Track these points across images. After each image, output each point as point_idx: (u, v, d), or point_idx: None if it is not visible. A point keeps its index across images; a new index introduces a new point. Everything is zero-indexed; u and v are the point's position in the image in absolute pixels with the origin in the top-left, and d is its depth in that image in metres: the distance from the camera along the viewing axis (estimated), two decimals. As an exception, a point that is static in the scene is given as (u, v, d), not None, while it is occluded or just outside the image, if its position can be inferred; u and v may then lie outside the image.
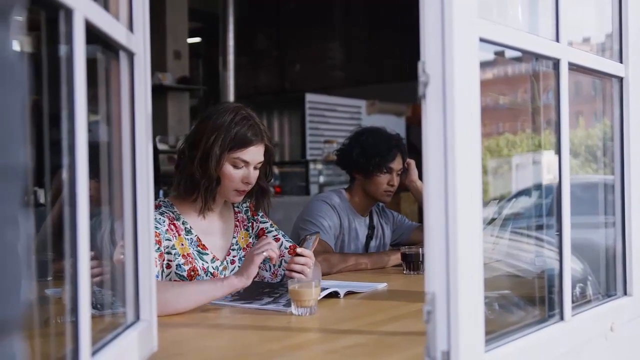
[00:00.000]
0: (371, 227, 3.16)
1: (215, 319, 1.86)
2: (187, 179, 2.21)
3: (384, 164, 2.99)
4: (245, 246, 2.36)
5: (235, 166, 2.19)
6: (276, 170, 7.83)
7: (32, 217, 0.62)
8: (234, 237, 2.35)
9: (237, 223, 2.38)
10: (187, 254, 2.19)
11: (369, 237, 3.14)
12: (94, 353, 1.08)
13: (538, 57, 1.56)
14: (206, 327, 1.80)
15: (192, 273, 2.17)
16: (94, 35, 1.11)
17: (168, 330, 1.67)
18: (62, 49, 1.01)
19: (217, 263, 2.26)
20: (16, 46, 0.58)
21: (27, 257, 0.59)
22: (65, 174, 1.01)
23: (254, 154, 2.21)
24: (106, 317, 1.43)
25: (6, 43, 0.56)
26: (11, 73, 0.56)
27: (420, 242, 2.97)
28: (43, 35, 1.04)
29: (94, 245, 1.08)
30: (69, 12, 0.99)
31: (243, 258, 2.31)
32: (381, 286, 2.35)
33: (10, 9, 0.56)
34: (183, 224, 2.23)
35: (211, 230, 2.30)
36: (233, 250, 2.34)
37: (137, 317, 1.36)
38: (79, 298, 1.00)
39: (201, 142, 2.17)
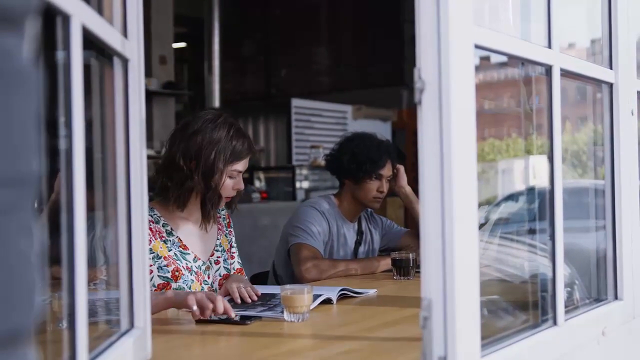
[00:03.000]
0: (360, 233, 3.16)
1: (208, 327, 1.85)
2: (187, 192, 2.26)
3: (375, 170, 2.99)
4: (226, 250, 2.45)
5: (231, 177, 2.29)
6: (262, 175, 7.81)
7: (43, 225, 0.62)
8: (218, 239, 2.43)
9: (220, 226, 2.46)
10: (169, 256, 2.24)
11: (358, 243, 3.14)
12: (90, 361, 1.07)
13: (531, 63, 1.57)
14: (200, 335, 1.79)
15: (177, 273, 2.23)
16: (88, 41, 1.10)
17: (162, 337, 1.66)
18: (59, 55, 1.00)
19: (200, 263, 2.32)
20: (30, 55, 0.58)
21: (39, 266, 0.58)
22: (62, 180, 1.00)
23: (246, 163, 2.34)
24: (99, 324, 1.42)
25: (20, 52, 0.56)
26: (26, 82, 0.56)
27: (409, 247, 2.98)
28: (39, 41, 1.03)
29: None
30: (66, 18, 0.98)
31: (226, 260, 2.42)
32: (372, 292, 2.35)
33: (24, 17, 0.56)
34: (163, 226, 2.28)
35: (194, 232, 2.35)
36: (217, 251, 2.41)
37: (132, 325, 1.35)
38: (77, 306, 1.00)
39: (200, 157, 2.22)
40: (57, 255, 1.03)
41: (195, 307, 1.81)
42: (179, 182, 2.24)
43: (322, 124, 8.47)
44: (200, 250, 2.34)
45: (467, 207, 1.19)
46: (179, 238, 2.29)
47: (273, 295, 2.19)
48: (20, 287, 0.55)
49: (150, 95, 7.44)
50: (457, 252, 1.15)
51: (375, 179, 3.00)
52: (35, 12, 0.59)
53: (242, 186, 2.34)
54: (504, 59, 1.57)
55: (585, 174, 2.08)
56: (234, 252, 2.51)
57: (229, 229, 2.51)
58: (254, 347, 1.65)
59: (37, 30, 0.62)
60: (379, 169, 3.00)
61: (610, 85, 1.84)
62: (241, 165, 2.30)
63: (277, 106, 8.78)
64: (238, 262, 2.51)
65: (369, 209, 3.20)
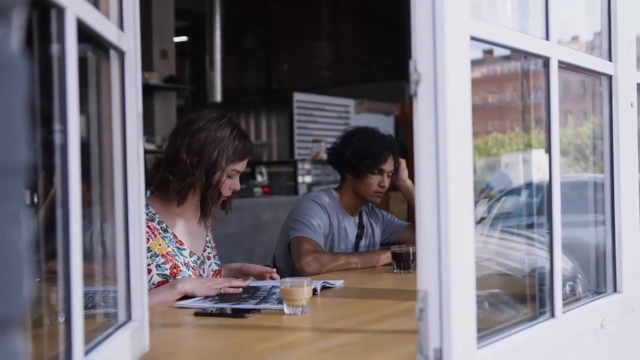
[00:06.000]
0: (361, 227, 3.16)
1: (206, 320, 1.86)
2: (188, 187, 2.28)
3: (376, 165, 2.99)
4: (214, 246, 2.50)
5: (230, 176, 2.33)
6: (264, 170, 7.82)
7: (31, 215, 0.62)
8: (207, 236, 2.47)
9: (208, 225, 2.50)
10: (167, 253, 2.27)
11: (359, 237, 3.14)
12: (86, 353, 1.08)
13: (528, 55, 1.57)
14: (198, 327, 1.80)
15: (175, 270, 2.26)
16: (84, 34, 1.10)
17: (159, 330, 1.66)
18: (54, 48, 1.00)
19: (195, 258, 2.35)
20: (17, 45, 0.58)
21: (27, 254, 0.59)
22: (57, 175, 1.01)
23: (245, 164, 2.38)
24: (97, 316, 1.43)
25: (7, 42, 0.56)
26: (13, 72, 0.56)
27: (410, 241, 2.98)
28: (34, 34, 1.03)
29: (83, 246, 1.07)
30: (60, 11, 0.98)
31: (215, 256, 2.48)
32: (339, 283, 2.38)
33: (12, 8, 0.57)
34: (159, 223, 2.30)
35: (187, 229, 2.38)
36: (208, 247, 2.46)
37: (129, 317, 1.36)
38: (72, 298, 1.00)
39: (203, 154, 2.25)
40: (56, 249, 1.03)
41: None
42: (181, 177, 2.26)
43: (324, 118, 8.47)
44: (194, 245, 2.38)
45: (463, 199, 1.19)
46: (174, 234, 2.32)
47: (257, 288, 2.20)
48: (8, 275, 0.55)
49: (151, 90, 7.45)
50: (453, 243, 1.15)
51: (377, 173, 3.00)
52: (22, 3, 0.59)
53: (238, 187, 2.39)
54: (507, 52, 1.56)
55: (589, 168, 2.08)
56: (209, 253, 2.52)
57: (210, 230, 2.55)
58: (252, 339, 1.65)
59: (24, 21, 0.62)
60: (380, 164, 3.00)
61: (610, 77, 1.83)
62: (241, 166, 2.34)
63: (279, 100, 8.78)
64: (216, 263, 2.52)
65: (370, 203, 3.20)
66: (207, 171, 2.27)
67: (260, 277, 2.42)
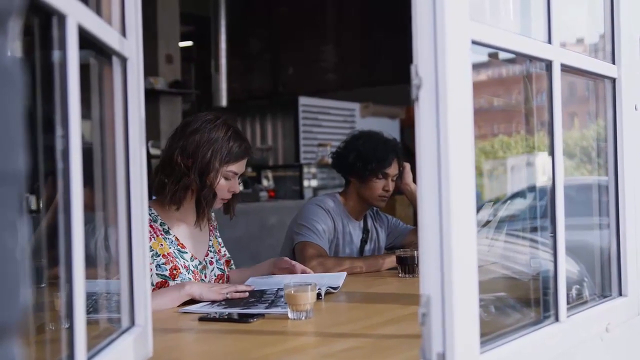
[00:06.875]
0: (365, 231, 3.15)
1: (210, 325, 1.85)
2: (183, 189, 2.28)
3: (380, 169, 2.98)
4: (217, 251, 2.49)
5: (226, 178, 2.32)
6: (270, 174, 7.82)
7: (29, 222, 0.62)
8: (210, 240, 2.47)
9: (211, 228, 2.50)
10: (168, 254, 2.27)
11: (364, 241, 3.14)
12: (89, 358, 1.08)
13: (530, 58, 1.56)
14: (201, 333, 1.80)
15: (174, 272, 2.26)
16: (86, 40, 1.11)
17: (163, 335, 1.66)
18: (55, 54, 1.01)
19: (196, 262, 2.35)
20: (14, 52, 0.58)
21: (25, 262, 0.59)
22: (59, 180, 1.01)
23: (243, 166, 2.37)
24: (100, 322, 1.43)
25: (4, 49, 0.56)
26: (9, 79, 0.56)
27: (414, 245, 2.97)
28: (35, 40, 1.03)
29: (87, 252, 1.08)
30: (62, 18, 0.99)
31: (219, 261, 2.46)
32: (342, 277, 2.40)
33: (8, 15, 0.57)
34: (161, 225, 2.31)
35: (189, 233, 2.38)
36: (211, 251, 2.45)
37: (132, 323, 1.36)
38: (74, 304, 1.00)
39: (197, 155, 2.26)
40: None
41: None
42: (176, 179, 2.26)
43: (329, 122, 8.47)
44: (196, 250, 2.38)
45: (465, 203, 1.19)
46: (176, 237, 2.32)
47: (264, 292, 2.20)
48: (5, 283, 0.55)
49: (157, 95, 7.44)
50: (455, 248, 1.15)
51: (381, 178, 3.00)
52: (18, 11, 0.59)
53: (237, 189, 2.37)
54: (512, 55, 1.56)
55: (595, 170, 2.07)
56: (224, 250, 2.54)
57: (216, 232, 2.55)
58: (256, 344, 1.65)
59: (21, 28, 0.62)
60: (385, 168, 2.99)
61: (613, 80, 1.83)
62: (237, 167, 2.33)
63: (285, 104, 8.78)
64: (219, 267, 2.52)
65: (375, 207, 3.19)
66: (200, 172, 2.26)
67: (289, 271, 2.45)
